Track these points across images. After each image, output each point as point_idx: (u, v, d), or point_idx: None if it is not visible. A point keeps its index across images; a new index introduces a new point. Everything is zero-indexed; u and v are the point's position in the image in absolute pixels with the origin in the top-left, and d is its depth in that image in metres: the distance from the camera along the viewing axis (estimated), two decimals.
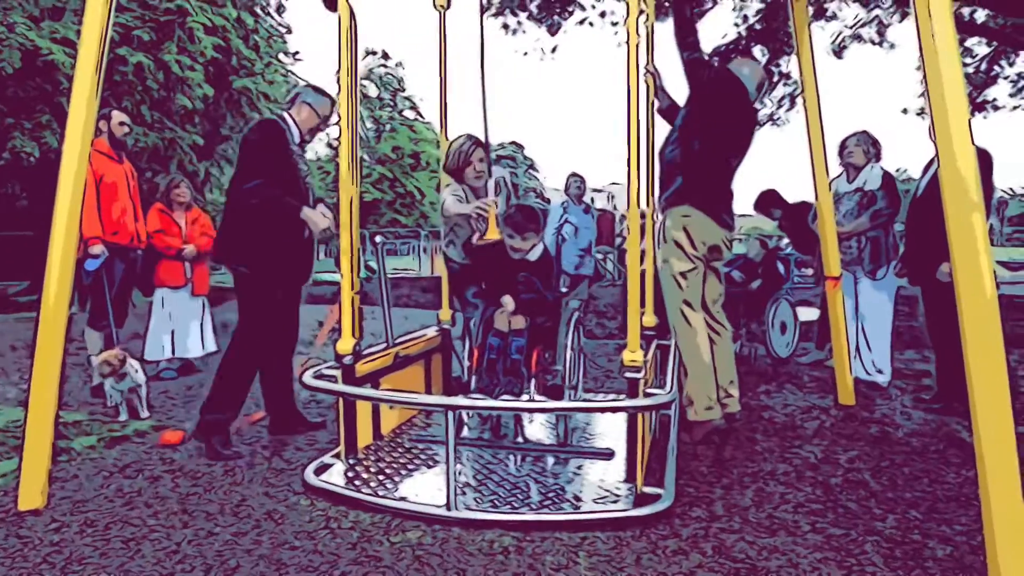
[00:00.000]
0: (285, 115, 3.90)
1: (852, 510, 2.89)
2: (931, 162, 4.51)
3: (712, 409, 3.81)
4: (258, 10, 15.24)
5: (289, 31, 16.55)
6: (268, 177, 3.64)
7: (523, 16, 13.02)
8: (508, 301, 3.75)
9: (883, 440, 3.90)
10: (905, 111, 14.87)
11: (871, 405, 4.69)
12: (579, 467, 3.39)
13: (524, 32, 13.33)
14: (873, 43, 13.06)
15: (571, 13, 13.04)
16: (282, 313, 3.92)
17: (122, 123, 5.19)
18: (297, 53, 17.09)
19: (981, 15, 11.83)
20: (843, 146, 5.35)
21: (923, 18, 2.28)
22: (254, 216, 3.68)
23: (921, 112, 13.92)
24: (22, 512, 2.88)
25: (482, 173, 4.14)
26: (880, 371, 5.22)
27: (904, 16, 12.03)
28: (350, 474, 3.26)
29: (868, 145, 5.30)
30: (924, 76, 2.30)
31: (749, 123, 4.05)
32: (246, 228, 3.73)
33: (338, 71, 3.43)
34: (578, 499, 2.95)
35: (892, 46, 13.08)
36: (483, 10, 4.00)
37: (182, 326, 5.92)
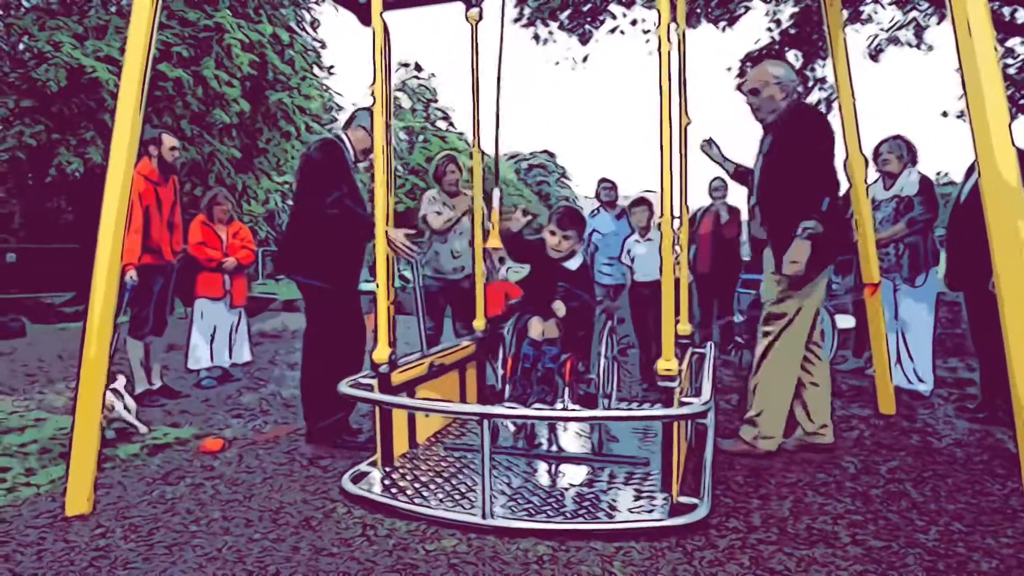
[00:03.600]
0: (342, 135, 4.04)
1: (893, 522, 2.84)
2: (973, 166, 4.42)
3: (772, 439, 3.75)
4: (293, 25, 15.52)
5: (324, 46, 16.78)
6: (341, 191, 3.79)
7: (554, 26, 13.04)
8: (560, 307, 3.74)
9: (925, 450, 3.82)
10: (945, 114, 14.54)
11: (913, 414, 4.59)
12: (614, 476, 3.38)
13: (555, 42, 13.34)
14: (911, 45, 12.80)
15: (602, 22, 13.01)
16: (350, 322, 4.03)
17: (173, 147, 5.19)
18: (332, 67, 17.32)
19: (1022, 15, 11.54)
20: (877, 153, 5.25)
21: (960, 19, 2.25)
22: (324, 229, 3.83)
23: (962, 115, 13.60)
24: (69, 517, 2.96)
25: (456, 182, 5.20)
26: (922, 380, 5.11)
27: (942, 18, 11.78)
28: (387, 482, 3.28)
29: (902, 150, 5.20)
30: (962, 78, 2.27)
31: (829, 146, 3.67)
32: (315, 241, 3.87)
33: (372, 83, 3.49)
34: (613, 508, 2.94)
35: (931, 48, 12.81)
36: (503, 21, 4.03)
37: (221, 336, 6.06)
